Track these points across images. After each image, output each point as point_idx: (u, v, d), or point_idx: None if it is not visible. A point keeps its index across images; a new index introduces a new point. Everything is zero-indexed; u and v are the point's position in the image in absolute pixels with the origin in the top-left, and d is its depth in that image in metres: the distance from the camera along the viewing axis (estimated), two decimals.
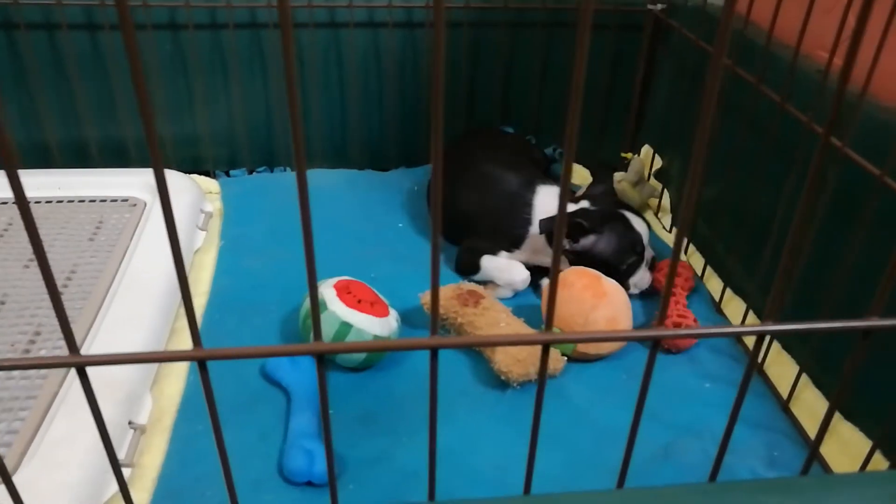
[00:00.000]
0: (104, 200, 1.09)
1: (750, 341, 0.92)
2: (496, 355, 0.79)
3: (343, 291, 0.82)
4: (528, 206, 0.98)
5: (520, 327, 0.83)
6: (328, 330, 0.79)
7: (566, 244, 0.92)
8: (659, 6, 1.17)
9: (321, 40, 1.20)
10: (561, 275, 0.86)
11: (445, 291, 0.88)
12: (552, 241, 0.92)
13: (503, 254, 0.99)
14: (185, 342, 0.87)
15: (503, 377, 0.79)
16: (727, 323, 0.95)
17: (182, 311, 0.93)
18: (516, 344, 0.39)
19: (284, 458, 0.69)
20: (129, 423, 0.72)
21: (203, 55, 1.19)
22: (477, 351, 0.85)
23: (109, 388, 0.73)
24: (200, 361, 0.38)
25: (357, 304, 0.81)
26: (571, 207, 0.96)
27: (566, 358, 0.84)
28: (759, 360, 0.87)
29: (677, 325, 0.87)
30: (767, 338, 0.82)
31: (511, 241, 0.99)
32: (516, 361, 0.77)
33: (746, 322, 0.91)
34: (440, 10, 0.27)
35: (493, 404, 0.80)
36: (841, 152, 0.71)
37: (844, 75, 0.32)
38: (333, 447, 0.73)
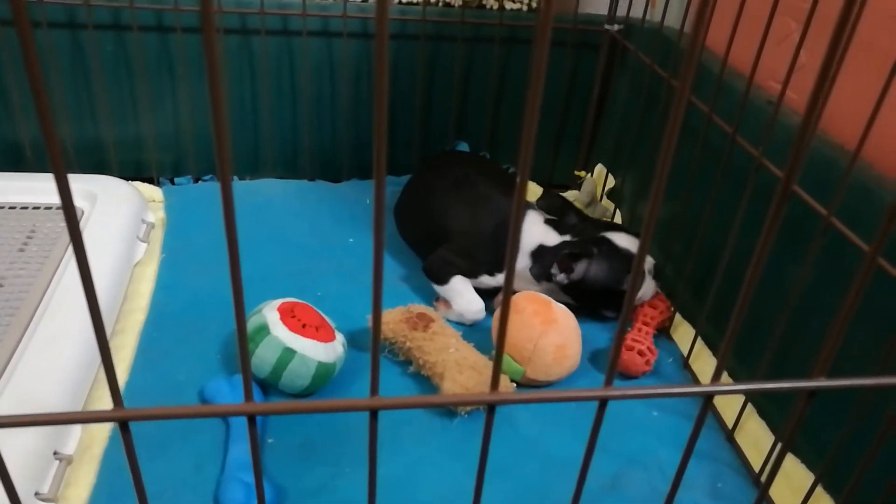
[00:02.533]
0: (37, 207, 1.03)
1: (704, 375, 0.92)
2: (444, 383, 0.77)
3: (287, 315, 0.79)
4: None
5: (469, 353, 0.81)
6: (271, 355, 0.77)
7: (563, 277, 0.91)
8: (616, 27, 1.17)
9: (273, 48, 1.16)
10: (512, 299, 0.85)
11: (394, 314, 0.86)
12: (540, 276, 0.92)
13: (484, 277, 0.97)
14: (121, 362, 0.83)
15: (453, 408, 0.77)
16: (677, 351, 0.95)
17: (119, 327, 0.89)
18: (464, 404, 0.37)
19: (221, 490, 0.66)
20: (55, 453, 0.69)
21: (149, 57, 1.14)
22: (425, 376, 0.83)
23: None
24: (122, 423, 0.35)
25: (301, 328, 0.78)
26: (555, 241, 0.95)
27: (515, 384, 0.83)
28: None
29: (641, 354, 0.87)
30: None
31: (495, 265, 0.97)
32: (465, 390, 0.76)
33: (695, 350, 0.91)
34: (383, 22, 0.25)
35: (440, 433, 0.78)
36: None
37: (805, 131, 0.32)
38: (273, 477, 0.70)
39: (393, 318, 0.86)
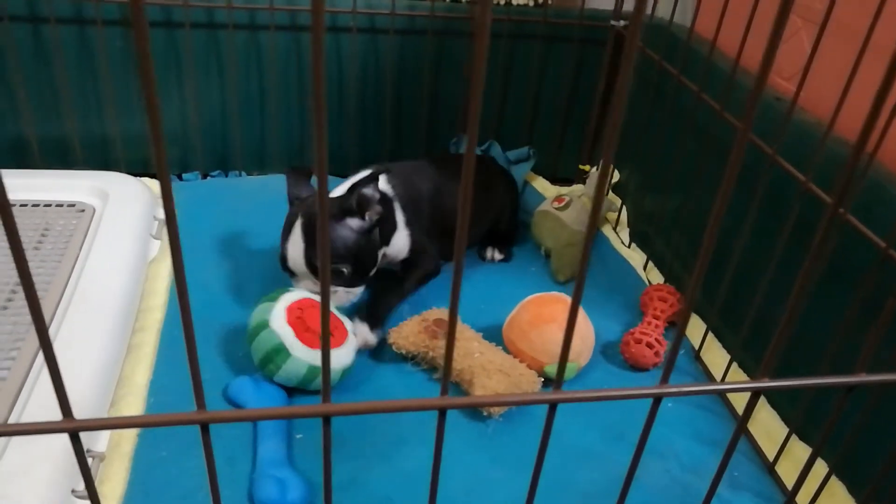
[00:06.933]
0: (49, 205, 1.03)
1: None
2: (475, 389, 0.78)
3: (300, 329, 0.78)
4: None
5: (494, 355, 0.82)
6: (296, 371, 0.77)
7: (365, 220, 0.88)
8: (622, 23, 1.19)
9: (281, 43, 1.17)
10: (546, 310, 0.87)
11: (410, 326, 0.86)
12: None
13: None
14: (143, 360, 0.84)
15: (485, 412, 0.78)
16: (688, 343, 0.97)
17: (139, 325, 0.89)
18: (525, 403, 0.39)
19: (255, 487, 0.67)
20: (87, 451, 0.69)
21: (156, 54, 1.14)
22: (453, 382, 0.84)
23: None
24: (72, 433, 0.35)
25: (318, 341, 0.77)
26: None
27: (542, 380, 0.85)
28: (720, 379, 0.90)
29: (650, 346, 0.89)
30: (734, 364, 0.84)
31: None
32: (496, 395, 0.77)
33: (705, 344, 0.94)
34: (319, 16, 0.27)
35: (465, 428, 0.79)
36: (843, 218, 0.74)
37: (858, 151, 0.33)
38: (303, 473, 0.71)
39: (411, 330, 0.85)
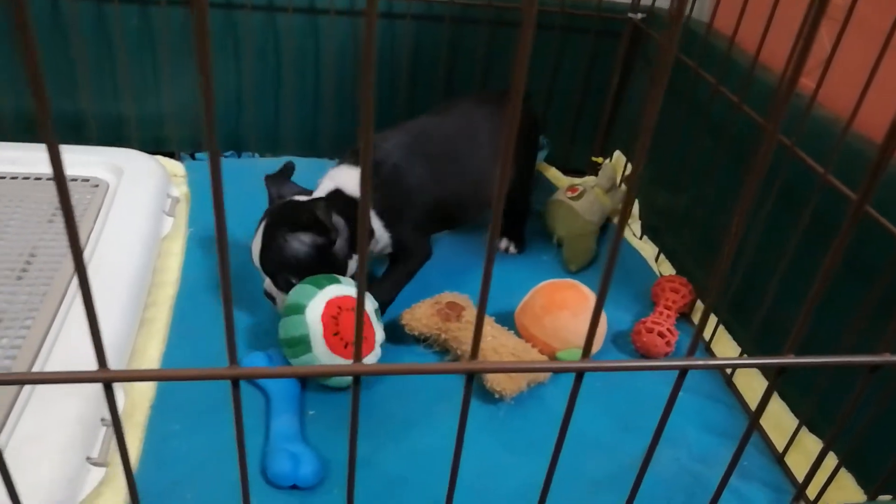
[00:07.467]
0: None
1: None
2: (487, 373, 0.78)
3: (330, 331, 0.76)
4: None
5: (506, 339, 0.82)
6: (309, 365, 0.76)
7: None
8: (639, 15, 1.19)
9: (298, 26, 1.17)
10: (560, 296, 0.87)
11: (423, 308, 0.86)
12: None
13: None
14: (156, 334, 0.84)
15: (497, 395, 0.78)
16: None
17: (151, 300, 0.89)
18: (556, 370, 0.39)
19: (268, 461, 0.68)
20: (102, 419, 0.69)
21: (173, 31, 1.14)
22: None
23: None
24: (106, 382, 0.35)
25: (343, 349, 0.76)
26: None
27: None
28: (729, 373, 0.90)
29: (661, 335, 0.89)
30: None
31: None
32: (508, 378, 0.77)
33: (716, 335, 0.94)
34: None
35: (476, 410, 0.80)
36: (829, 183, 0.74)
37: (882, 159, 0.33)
38: (316, 450, 0.71)
39: (424, 312, 0.86)
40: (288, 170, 0.95)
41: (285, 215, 0.84)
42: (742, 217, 0.34)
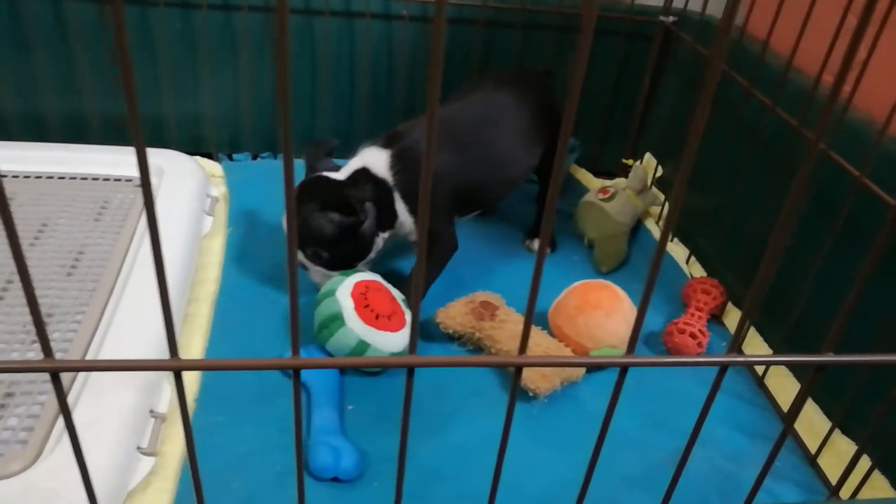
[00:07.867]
0: (107, 179, 1.06)
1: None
2: (522, 371, 0.80)
3: (360, 303, 0.80)
4: None
5: (540, 338, 0.84)
6: (346, 343, 0.79)
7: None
8: (671, 18, 1.19)
9: (335, 29, 1.19)
10: (593, 297, 0.88)
11: (458, 307, 0.88)
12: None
13: None
14: (198, 330, 0.87)
15: (531, 393, 0.80)
16: (729, 336, 0.98)
17: (193, 296, 0.92)
18: (599, 364, 0.40)
19: (310, 454, 0.70)
20: (151, 411, 0.72)
21: (213, 35, 1.17)
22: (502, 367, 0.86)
23: (129, 375, 0.73)
24: (177, 371, 0.37)
25: (375, 320, 0.80)
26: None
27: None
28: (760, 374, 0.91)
29: (693, 336, 0.90)
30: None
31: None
32: (542, 377, 0.78)
33: (747, 337, 0.94)
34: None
35: (518, 413, 0.81)
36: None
37: None
38: (355, 443, 0.73)
39: (458, 311, 0.87)
40: (328, 145, 0.98)
41: (318, 192, 0.88)
42: (784, 232, 0.35)
